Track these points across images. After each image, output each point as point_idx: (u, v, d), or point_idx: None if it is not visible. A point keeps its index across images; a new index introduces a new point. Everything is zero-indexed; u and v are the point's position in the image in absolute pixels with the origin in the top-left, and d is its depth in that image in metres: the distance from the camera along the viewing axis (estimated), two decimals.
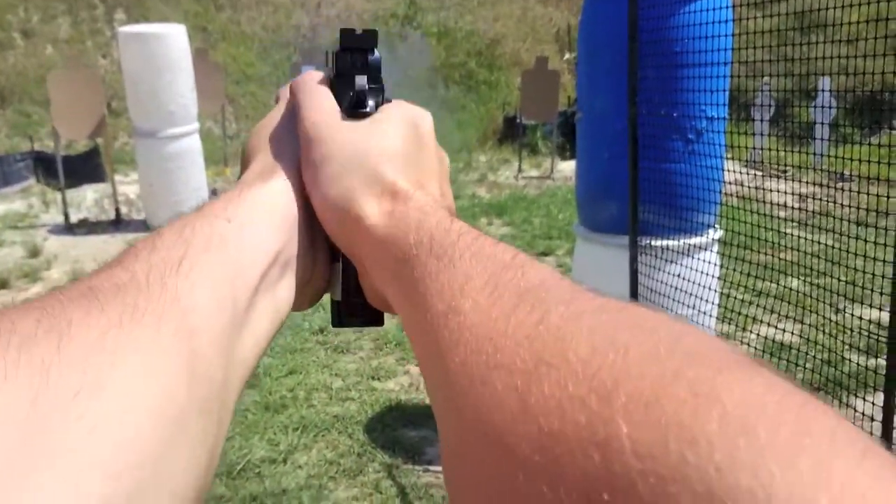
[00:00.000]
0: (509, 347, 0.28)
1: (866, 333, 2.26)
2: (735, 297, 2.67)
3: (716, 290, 2.73)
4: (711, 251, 2.82)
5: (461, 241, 0.36)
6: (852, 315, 2.18)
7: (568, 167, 8.52)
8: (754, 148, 4.94)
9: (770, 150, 3.18)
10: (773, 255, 2.45)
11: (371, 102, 0.44)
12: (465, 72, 11.65)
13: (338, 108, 0.44)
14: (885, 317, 1.97)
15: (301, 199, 0.42)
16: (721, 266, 2.78)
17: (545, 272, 0.33)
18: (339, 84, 0.45)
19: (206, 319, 0.33)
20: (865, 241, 2.09)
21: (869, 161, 2.30)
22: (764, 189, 2.48)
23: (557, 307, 0.29)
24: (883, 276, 1.98)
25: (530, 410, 0.25)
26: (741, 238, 2.50)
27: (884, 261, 1.97)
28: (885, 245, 1.96)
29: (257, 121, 0.48)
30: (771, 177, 3.02)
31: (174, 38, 6.44)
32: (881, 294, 2.01)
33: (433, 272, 0.35)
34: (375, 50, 0.46)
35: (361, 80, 0.44)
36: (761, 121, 4.60)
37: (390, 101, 0.46)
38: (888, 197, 1.98)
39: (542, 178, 8.82)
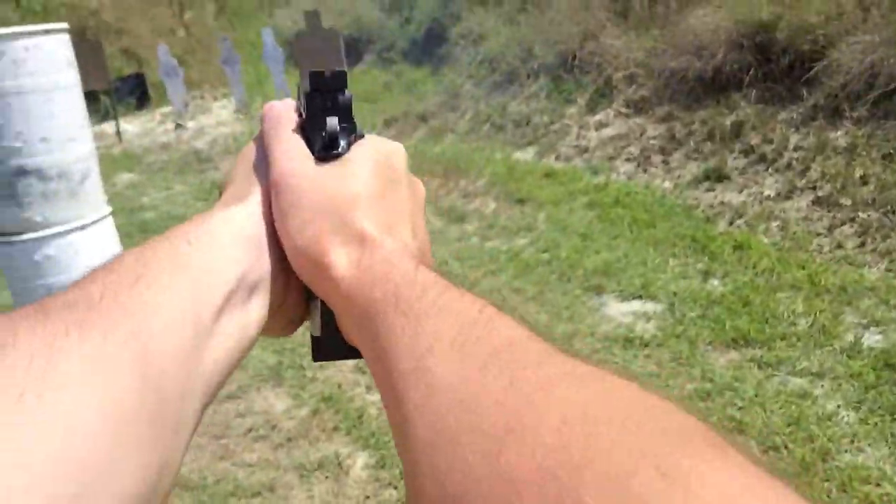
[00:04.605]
0: (479, 412, 0.27)
1: None
2: None
3: None
4: None
5: (427, 296, 0.35)
6: None
7: None
8: None
9: None
10: None
11: (343, 143, 0.44)
12: None
13: (307, 152, 0.44)
14: None
15: (271, 225, 0.43)
16: None
17: (514, 328, 0.33)
18: (311, 125, 0.45)
19: (162, 334, 0.33)
20: None
21: None
22: None
23: (526, 372, 0.28)
24: None
25: (501, 480, 0.24)
26: None
27: None
28: None
29: None
30: None
31: None
32: None
33: (399, 330, 0.34)
34: (346, 90, 0.46)
35: (332, 122, 0.44)
36: None
37: (363, 135, 0.46)
38: None
39: None
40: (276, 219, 0.42)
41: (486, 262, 4.50)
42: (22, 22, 11.04)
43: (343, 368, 3.38)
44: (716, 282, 3.85)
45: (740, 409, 2.81)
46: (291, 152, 0.44)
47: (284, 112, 0.47)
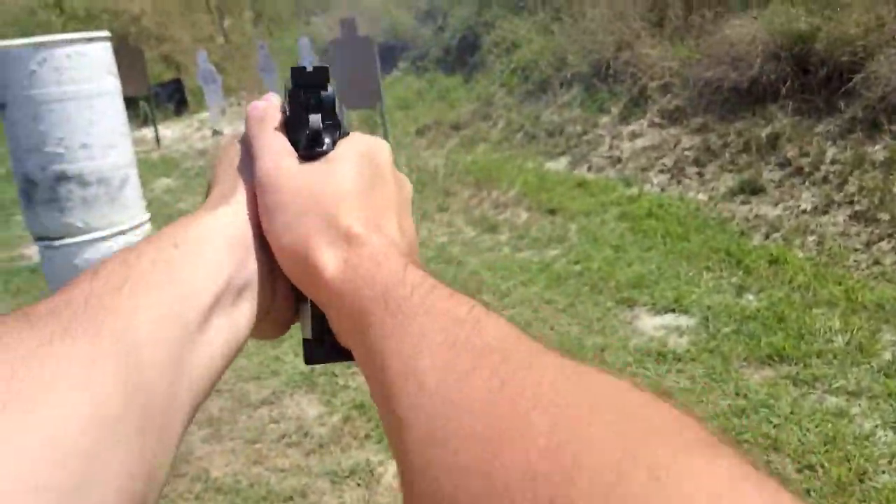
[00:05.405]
0: (470, 414, 0.27)
1: None
2: None
3: None
4: None
5: (415, 295, 0.35)
6: None
7: None
8: None
9: None
10: None
11: (327, 140, 0.44)
12: None
13: (291, 150, 0.44)
14: None
15: (257, 226, 0.42)
16: None
17: (503, 328, 0.32)
18: (294, 122, 0.45)
19: (149, 338, 0.33)
20: None
21: None
22: None
23: (517, 372, 0.28)
24: None
25: (493, 483, 0.25)
26: None
27: None
28: None
29: None
30: None
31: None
32: None
33: (389, 330, 0.34)
34: (329, 86, 0.45)
35: (315, 119, 0.44)
36: None
37: (348, 133, 0.46)
38: None
39: None
40: (262, 219, 0.42)
41: (517, 273, 4.50)
42: (65, 27, 11.28)
43: None
44: (750, 296, 3.81)
45: (775, 426, 2.77)
46: (275, 151, 0.43)
47: (268, 111, 0.46)
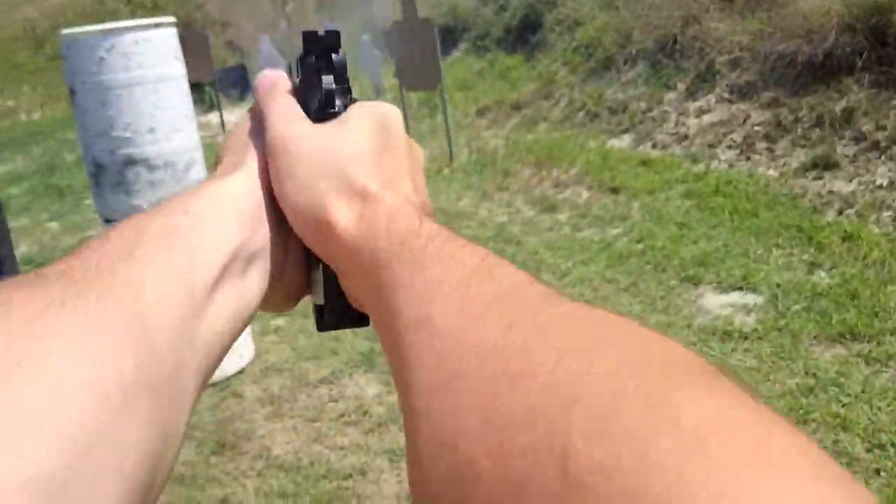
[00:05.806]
0: (477, 356, 0.28)
1: None
2: None
3: None
4: None
5: (430, 246, 0.35)
6: None
7: None
8: None
9: None
10: None
11: (339, 102, 0.44)
12: None
13: (303, 114, 0.44)
14: None
15: (269, 194, 0.42)
16: None
17: (515, 275, 0.33)
18: (306, 87, 0.45)
19: (157, 304, 0.33)
20: None
21: None
22: None
23: (525, 315, 0.29)
24: None
25: (493, 422, 0.25)
26: None
27: None
28: None
29: None
30: None
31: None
32: None
33: (403, 279, 0.34)
34: (340, 50, 0.45)
35: (328, 80, 0.44)
36: None
37: (356, 100, 0.45)
38: None
39: None
40: (275, 183, 0.42)
41: (577, 252, 4.44)
42: (132, 16, 11.57)
43: None
44: (822, 273, 3.67)
45: (845, 405, 2.67)
46: (287, 115, 0.43)
47: (278, 79, 0.46)
